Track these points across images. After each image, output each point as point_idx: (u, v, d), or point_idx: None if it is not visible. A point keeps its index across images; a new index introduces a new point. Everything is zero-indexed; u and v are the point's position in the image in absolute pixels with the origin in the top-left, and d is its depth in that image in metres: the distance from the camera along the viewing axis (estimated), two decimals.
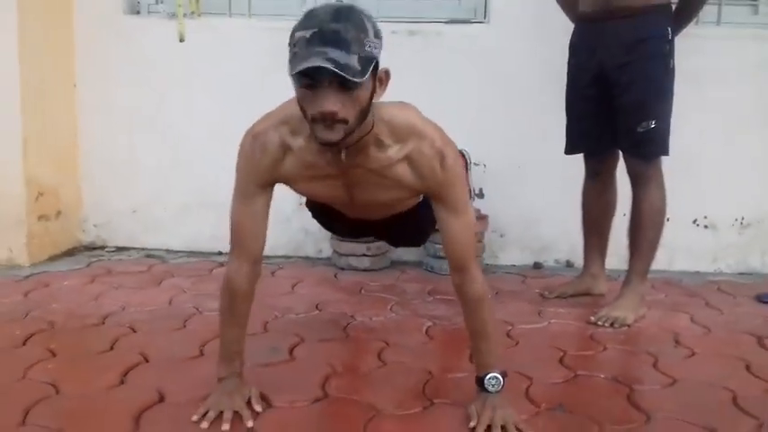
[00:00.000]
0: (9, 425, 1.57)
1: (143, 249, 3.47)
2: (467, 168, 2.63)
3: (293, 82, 1.38)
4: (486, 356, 1.69)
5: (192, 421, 1.59)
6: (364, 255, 3.18)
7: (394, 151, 1.56)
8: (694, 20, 2.70)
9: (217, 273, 3.04)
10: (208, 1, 3.42)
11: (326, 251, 3.41)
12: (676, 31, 2.50)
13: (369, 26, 1.36)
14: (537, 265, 3.36)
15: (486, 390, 1.66)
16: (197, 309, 2.51)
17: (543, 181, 3.29)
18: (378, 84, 1.43)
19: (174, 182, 3.45)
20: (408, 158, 1.57)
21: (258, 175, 1.62)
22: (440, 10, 3.38)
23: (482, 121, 3.27)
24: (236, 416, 1.62)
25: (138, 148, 3.44)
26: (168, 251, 3.46)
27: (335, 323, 2.42)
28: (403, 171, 1.58)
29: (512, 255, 3.40)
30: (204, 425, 1.58)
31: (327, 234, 3.26)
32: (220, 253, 3.34)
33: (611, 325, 2.44)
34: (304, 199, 2.09)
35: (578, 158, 2.75)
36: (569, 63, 2.68)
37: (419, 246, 2.89)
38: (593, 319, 2.49)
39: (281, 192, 1.70)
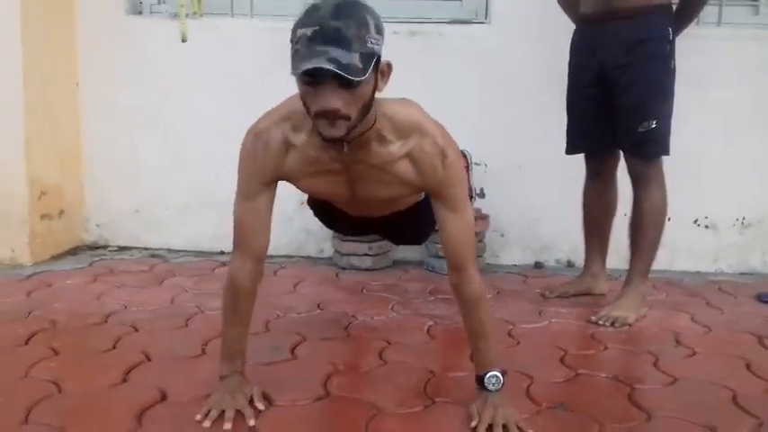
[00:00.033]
0: (12, 423, 1.58)
1: (145, 249, 3.48)
2: (468, 168, 2.64)
3: (296, 78, 1.39)
4: (485, 355, 1.69)
5: (194, 420, 1.60)
6: (366, 254, 3.18)
7: (396, 147, 1.57)
8: (695, 20, 2.70)
9: (219, 272, 3.05)
10: (210, 1, 3.43)
11: (328, 251, 3.42)
12: (677, 31, 2.51)
13: (370, 21, 1.36)
14: (538, 265, 3.37)
15: (486, 388, 1.67)
16: (199, 308, 2.51)
17: (544, 181, 3.30)
18: (380, 77, 1.44)
19: (176, 181, 3.46)
20: (410, 155, 1.58)
21: (261, 172, 1.62)
22: (441, 11, 3.39)
23: (483, 122, 3.28)
24: (239, 414, 1.62)
25: (141, 147, 3.45)
26: (170, 250, 3.47)
27: (337, 322, 2.42)
28: (404, 167, 1.59)
29: (513, 254, 3.41)
30: (207, 424, 1.59)
31: (329, 234, 3.27)
32: (222, 252, 3.35)
33: (612, 324, 2.44)
34: (306, 198, 2.09)
35: (579, 158, 2.75)
36: (570, 63, 2.68)
37: (420, 244, 2.90)
38: (593, 318, 2.49)
39: (283, 191, 1.70)
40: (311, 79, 1.35)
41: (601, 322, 2.46)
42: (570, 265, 3.35)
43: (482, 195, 3.30)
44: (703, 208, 3.31)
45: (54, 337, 2.17)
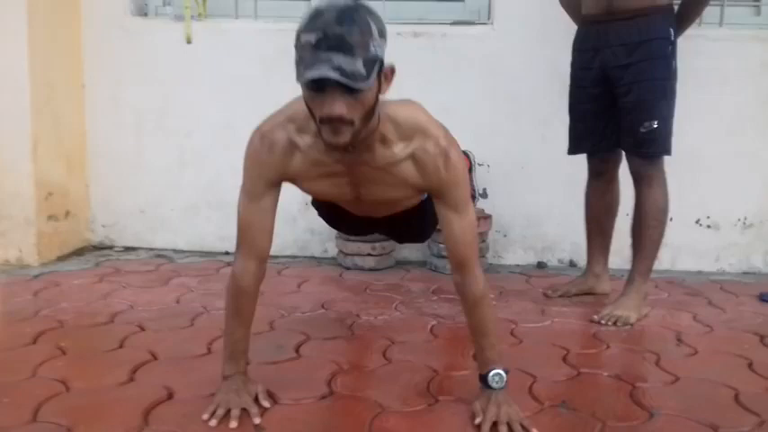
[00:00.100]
0: (20, 422, 1.60)
1: (151, 249, 3.50)
2: (471, 169, 2.65)
3: (300, 84, 1.41)
4: (488, 353, 1.71)
5: (201, 419, 1.61)
6: (369, 254, 3.20)
7: (399, 149, 1.59)
8: (697, 21, 2.71)
9: (223, 272, 3.07)
10: (214, 3, 3.45)
11: (332, 251, 3.43)
12: (679, 32, 2.52)
13: (373, 26, 1.37)
14: (540, 265, 3.38)
15: (489, 387, 1.68)
16: (204, 307, 2.53)
17: (547, 181, 3.31)
18: (383, 81, 1.45)
19: (182, 182, 3.48)
20: (413, 156, 1.59)
21: (266, 173, 1.64)
22: (444, 12, 3.41)
23: (486, 122, 3.29)
24: (244, 413, 1.64)
25: (146, 148, 3.47)
26: (175, 251, 3.49)
27: (341, 322, 2.44)
28: (407, 169, 1.61)
29: (515, 254, 3.42)
30: (213, 423, 1.60)
31: (333, 234, 3.29)
32: (227, 253, 3.37)
33: (615, 324, 2.46)
34: (310, 199, 2.11)
35: (581, 158, 2.76)
36: (572, 64, 2.69)
37: (423, 242, 2.92)
38: (596, 317, 2.50)
39: (288, 192, 1.72)
40: (316, 86, 1.36)
41: (603, 321, 2.47)
42: (573, 264, 3.37)
43: (485, 195, 3.31)
44: (705, 208, 3.32)
45: (61, 337, 2.18)
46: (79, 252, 3.42)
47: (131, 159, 3.48)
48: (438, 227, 1.75)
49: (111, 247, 3.52)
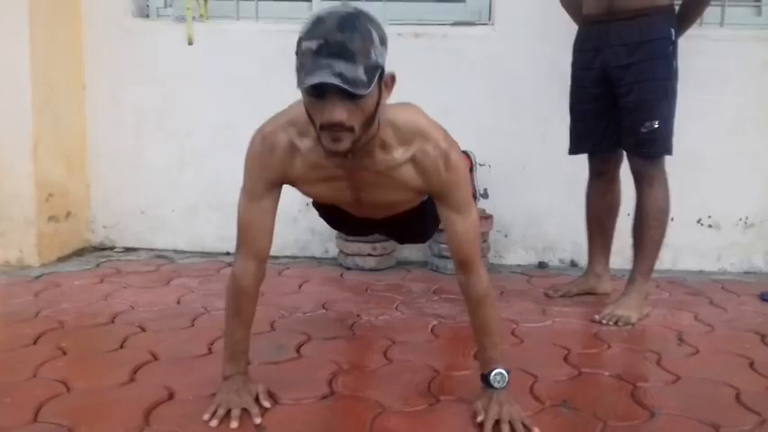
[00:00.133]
0: (21, 422, 1.60)
1: (151, 250, 3.51)
2: (471, 169, 2.65)
3: (301, 90, 1.41)
4: (490, 352, 1.71)
5: (201, 419, 1.61)
6: (370, 254, 3.20)
7: (399, 153, 1.59)
8: (697, 21, 2.71)
9: (224, 272, 3.07)
10: (216, 4, 3.45)
11: (332, 251, 3.43)
12: (679, 32, 2.52)
13: (374, 34, 1.38)
14: (542, 265, 3.38)
15: (491, 386, 1.68)
16: (205, 308, 2.53)
17: (548, 181, 3.31)
18: (383, 88, 1.45)
19: (182, 183, 3.48)
20: (413, 160, 1.59)
21: (266, 174, 1.64)
22: (445, 12, 3.41)
23: (487, 122, 3.30)
24: (245, 413, 1.63)
25: (147, 149, 3.48)
26: (176, 251, 3.49)
27: (342, 322, 2.44)
28: (408, 172, 1.61)
29: (516, 254, 3.42)
30: (214, 423, 1.60)
31: (333, 234, 3.29)
32: (228, 253, 3.37)
33: (616, 323, 2.45)
34: (311, 199, 2.11)
35: (582, 158, 2.76)
36: (573, 64, 2.69)
37: (425, 242, 2.92)
38: (597, 317, 2.50)
39: (288, 192, 1.72)
40: (316, 92, 1.37)
41: (604, 321, 2.47)
42: (574, 264, 3.37)
43: (486, 196, 3.30)
44: (706, 207, 3.31)
45: (62, 338, 2.18)
46: (80, 253, 3.42)
47: (132, 160, 3.49)
48: (440, 227, 1.75)
49: (111, 248, 3.53)
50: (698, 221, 3.32)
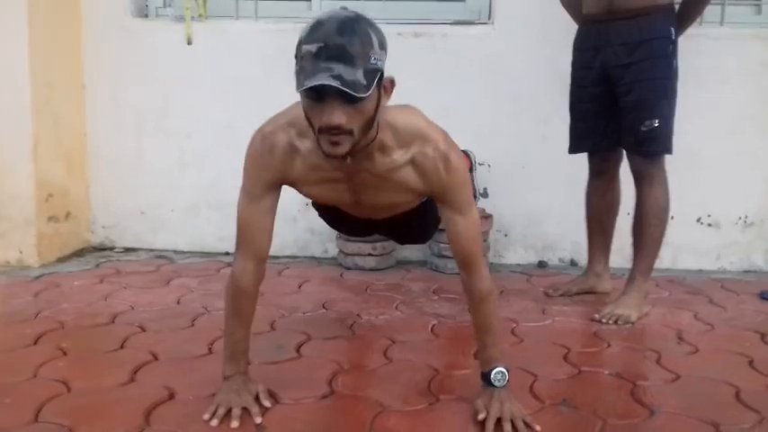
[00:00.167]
0: (21, 422, 1.60)
1: (151, 250, 3.51)
2: (471, 168, 2.66)
3: (300, 94, 1.41)
4: (491, 351, 1.72)
5: (202, 419, 1.61)
6: (370, 254, 3.20)
7: (399, 155, 1.59)
8: (697, 20, 2.71)
9: (224, 273, 3.07)
10: (215, 4, 3.45)
11: (332, 251, 3.43)
12: (679, 31, 2.52)
13: (374, 38, 1.38)
14: (541, 264, 3.38)
15: (492, 384, 1.69)
16: (205, 308, 2.53)
17: (547, 180, 3.31)
18: (383, 93, 1.46)
19: (182, 183, 3.48)
20: (413, 162, 1.60)
21: (266, 174, 1.64)
22: (445, 12, 3.41)
23: (487, 122, 3.30)
24: (245, 412, 1.64)
25: (146, 149, 3.48)
26: (176, 251, 3.49)
27: (342, 321, 2.44)
28: (408, 174, 1.61)
29: (516, 254, 3.42)
30: (214, 422, 1.60)
31: (333, 234, 3.29)
32: (227, 253, 3.37)
33: (616, 322, 2.46)
34: (310, 200, 2.11)
35: (582, 157, 2.77)
36: (573, 63, 2.69)
37: (424, 242, 2.92)
38: (597, 316, 2.50)
39: (288, 192, 1.72)
40: (316, 95, 1.37)
41: (604, 320, 2.47)
42: (574, 263, 3.37)
43: (485, 195, 3.32)
44: (706, 206, 3.32)
45: (62, 338, 2.19)
46: (79, 253, 3.42)
47: (132, 160, 3.49)
48: (440, 227, 1.75)
49: (111, 248, 3.53)
50: (698, 220, 3.32)
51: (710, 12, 3.07)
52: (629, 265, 2.65)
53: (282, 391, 1.78)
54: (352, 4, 1.46)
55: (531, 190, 3.35)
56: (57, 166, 3.26)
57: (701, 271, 3.31)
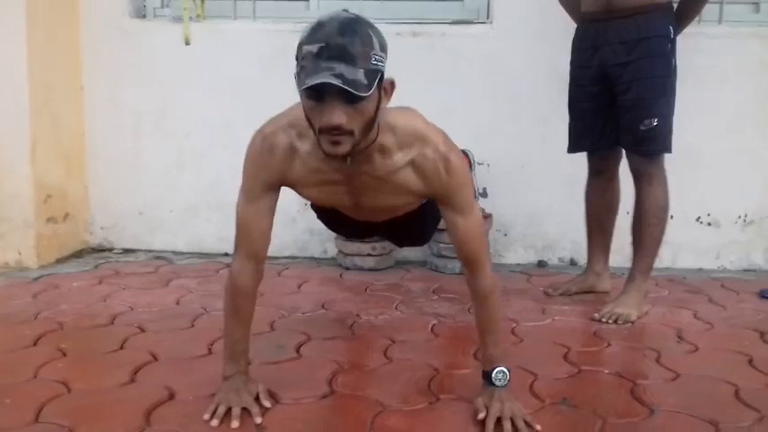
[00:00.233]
0: (22, 423, 1.60)
1: (150, 251, 3.50)
2: (470, 168, 2.66)
3: (300, 94, 1.41)
4: (492, 350, 1.72)
5: (202, 419, 1.61)
6: (369, 254, 3.20)
7: (399, 157, 1.59)
8: (696, 18, 2.71)
9: (223, 273, 3.07)
10: (213, 4, 3.45)
11: (331, 251, 3.43)
12: (678, 29, 2.52)
13: (375, 39, 1.38)
14: (541, 264, 3.38)
15: (493, 384, 1.69)
16: (204, 309, 2.53)
17: (547, 180, 3.31)
18: (383, 94, 1.46)
19: (180, 183, 3.48)
20: (413, 163, 1.59)
21: (264, 175, 1.64)
22: (443, 11, 3.41)
23: (485, 121, 3.30)
24: (245, 412, 1.63)
25: (145, 149, 3.48)
26: (175, 252, 3.49)
27: (341, 321, 2.44)
28: (408, 176, 1.61)
29: (516, 253, 3.42)
30: (214, 422, 1.60)
31: (332, 234, 3.28)
32: (226, 254, 3.37)
33: (615, 321, 2.46)
34: (309, 201, 2.11)
35: (581, 157, 2.77)
36: (572, 62, 2.69)
37: (423, 245, 2.93)
38: (596, 315, 2.50)
39: (287, 192, 1.72)
40: (316, 95, 1.37)
41: (604, 319, 2.47)
42: (573, 263, 3.37)
43: (485, 195, 3.32)
44: (705, 205, 3.32)
45: (62, 339, 2.18)
46: (78, 254, 3.42)
47: (130, 161, 3.49)
48: (440, 227, 1.75)
49: (110, 249, 3.52)
50: (697, 219, 3.33)
51: (709, 10, 3.07)
52: (628, 264, 2.65)
53: (282, 391, 1.78)
54: (352, 5, 1.46)
55: (530, 190, 3.35)
56: (55, 167, 3.26)
57: (700, 270, 3.31)
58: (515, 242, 3.41)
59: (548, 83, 3.11)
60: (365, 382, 1.90)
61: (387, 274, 3.17)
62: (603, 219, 2.80)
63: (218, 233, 3.43)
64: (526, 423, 1.61)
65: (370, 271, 3.19)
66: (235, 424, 1.59)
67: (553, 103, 2.95)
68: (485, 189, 3.31)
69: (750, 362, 2.08)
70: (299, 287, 2.90)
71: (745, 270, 3.32)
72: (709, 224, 3.33)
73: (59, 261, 3.26)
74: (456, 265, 3.09)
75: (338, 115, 1.36)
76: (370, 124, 1.44)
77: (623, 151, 2.64)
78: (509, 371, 1.70)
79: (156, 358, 2.03)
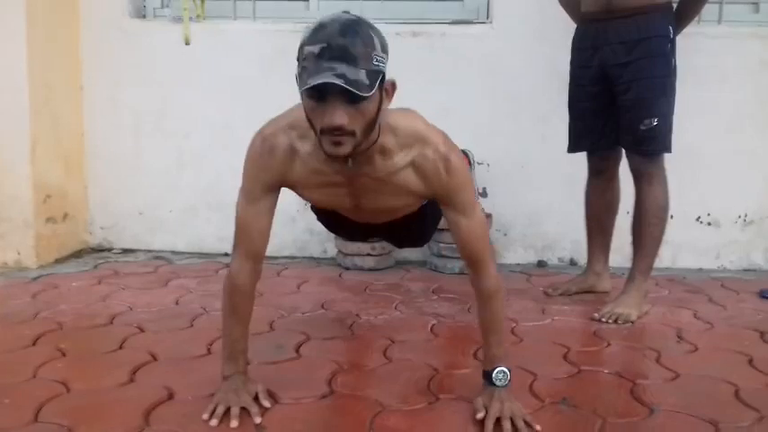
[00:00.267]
0: (21, 423, 1.59)
1: (149, 251, 3.50)
2: (470, 168, 2.66)
3: (301, 95, 1.41)
4: (494, 350, 1.71)
5: (202, 419, 1.61)
6: (369, 254, 3.20)
7: (399, 158, 1.59)
8: (696, 18, 2.71)
9: (222, 273, 3.04)
10: (213, 4, 3.45)
11: (331, 251, 3.43)
12: (678, 29, 2.52)
13: (376, 40, 1.38)
14: (541, 264, 3.38)
15: (493, 383, 1.68)
16: (203, 309, 2.53)
17: (546, 179, 3.31)
18: (384, 95, 1.46)
19: (180, 184, 3.48)
20: (413, 164, 1.59)
21: (264, 176, 1.64)
22: (443, 11, 3.41)
23: (485, 121, 3.30)
24: (244, 412, 1.63)
25: (144, 150, 3.47)
26: (174, 252, 3.49)
27: (341, 321, 2.44)
28: (408, 177, 1.61)
29: (516, 253, 3.42)
30: (213, 422, 1.59)
31: (332, 234, 3.28)
32: (226, 254, 3.37)
33: (615, 321, 2.45)
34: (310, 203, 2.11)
35: (581, 157, 2.76)
36: (571, 62, 2.69)
37: (422, 246, 2.93)
38: (596, 315, 2.50)
39: (287, 193, 1.71)
40: (318, 95, 1.37)
41: (604, 319, 2.47)
42: (573, 263, 3.37)
43: (485, 195, 3.32)
44: (705, 205, 3.32)
45: (61, 339, 2.18)
46: (77, 254, 3.42)
47: (130, 161, 3.48)
48: (440, 227, 1.74)
49: (109, 249, 3.52)
50: (697, 219, 3.33)
51: (708, 10, 3.07)
52: (628, 264, 2.65)
53: (282, 391, 1.78)
54: (352, 5, 1.46)
55: (530, 189, 3.35)
56: (55, 167, 3.26)
57: (700, 270, 3.31)
58: (515, 242, 3.41)
59: (547, 82, 3.11)
60: (365, 382, 1.90)
61: (386, 274, 3.17)
62: (603, 219, 2.80)
63: (218, 233, 3.43)
64: (526, 423, 1.60)
65: (370, 271, 3.19)
66: (234, 424, 1.59)
67: (553, 102, 2.95)
68: (484, 189, 3.31)
69: (750, 362, 2.08)
70: (299, 287, 2.90)
71: (745, 270, 3.32)
72: (709, 224, 3.33)
73: (59, 261, 3.26)
74: (456, 265, 3.09)
75: (340, 115, 1.36)
76: (372, 125, 1.44)
77: (623, 151, 2.64)
78: (510, 371, 1.70)
79: (155, 358, 2.03)
